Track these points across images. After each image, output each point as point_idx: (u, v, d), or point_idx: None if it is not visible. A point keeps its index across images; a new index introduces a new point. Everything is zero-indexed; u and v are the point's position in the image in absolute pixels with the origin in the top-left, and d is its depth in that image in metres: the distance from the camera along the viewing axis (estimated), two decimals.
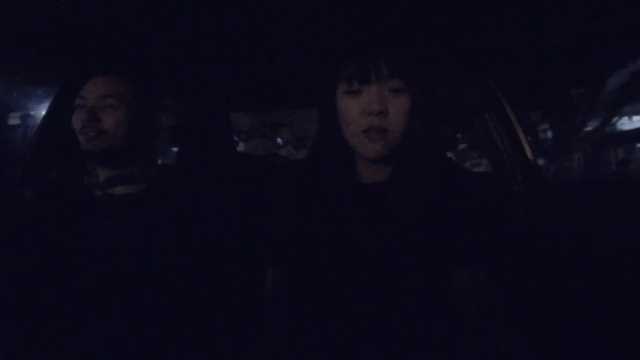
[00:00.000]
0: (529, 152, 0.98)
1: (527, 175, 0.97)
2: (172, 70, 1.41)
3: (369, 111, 0.65)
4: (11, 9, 0.95)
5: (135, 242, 0.89)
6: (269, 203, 0.87)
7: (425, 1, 0.92)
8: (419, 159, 0.70)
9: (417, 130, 0.69)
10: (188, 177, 1.02)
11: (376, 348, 0.68)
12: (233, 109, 2.31)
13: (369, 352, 0.69)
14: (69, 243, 0.89)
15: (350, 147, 0.72)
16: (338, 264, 0.71)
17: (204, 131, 1.44)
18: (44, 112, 1.27)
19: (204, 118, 1.84)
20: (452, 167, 0.79)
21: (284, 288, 0.79)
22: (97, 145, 0.87)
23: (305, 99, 1.96)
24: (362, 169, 0.75)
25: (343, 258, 0.71)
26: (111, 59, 1.19)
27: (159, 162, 1.27)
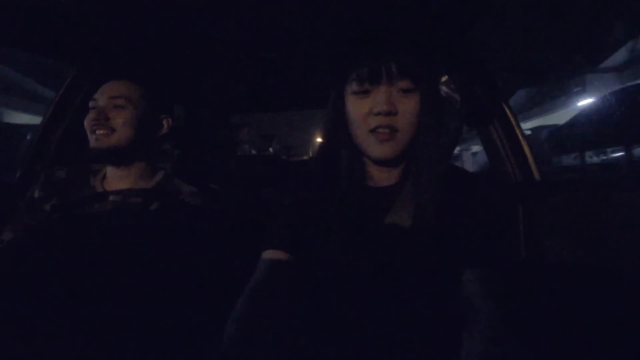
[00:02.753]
0: (528, 155, 1.00)
1: (526, 177, 0.99)
2: (173, 72, 1.42)
3: (377, 111, 0.65)
4: (21, 13, 0.96)
5: (138, 241, 0.90)
6: (273, 204, 0.87)
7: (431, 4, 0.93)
8: (428, 162, 0.69)
9: (426, 131, 0.68)
10: (189, 179, 1.03)
11: (382, 348, 0.67)
12: (233, 111, 2.32)
13: (375, 354, 0.68)
14: (73, 242, 0.89)
15: (358, 149, 0.72)
16: (346, 266, 0.69)
17: (205, 133, 1.44)
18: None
19: (205, 120, 1.85)
20: (458, 171, 0.78)
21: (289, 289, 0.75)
22: (105, 142, 0.91)
23: (307, 101, 1.98)
24: (372, 172, 0.74)
25: (351, 261, 0.69)
26: (122, 66, 1.23)
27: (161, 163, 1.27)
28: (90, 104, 0.95)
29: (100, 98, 0.94)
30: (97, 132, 0.91)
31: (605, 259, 0.75)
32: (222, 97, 1.82)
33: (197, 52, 1.23)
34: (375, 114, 0.65)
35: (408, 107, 0.66)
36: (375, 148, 0.67)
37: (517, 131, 1.00)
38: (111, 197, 0.94)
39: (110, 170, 0.99)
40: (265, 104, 2.13)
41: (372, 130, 0.66)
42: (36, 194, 0.97)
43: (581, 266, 0.82)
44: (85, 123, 0.94)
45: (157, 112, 1.00)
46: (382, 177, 0.74)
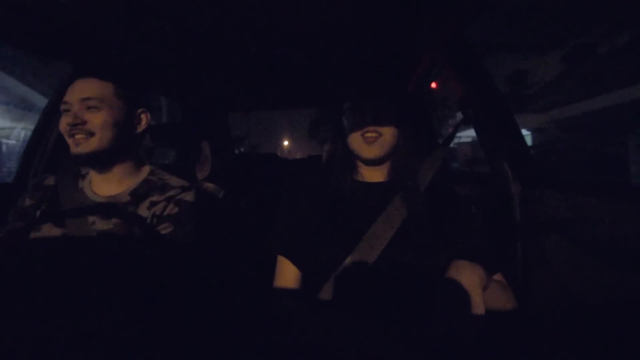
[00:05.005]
0: (526, 153, 1.02)
1: (524, 175, 1.00)
2: (171, 70, 1.41)
3: (366, 120, 0.85)
4: (6, 11, 0.92)
5: (129, 242, 0.89)
6: (274, 197, 0.97)
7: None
8: (409, 164, 0.89)
9: (406, 139, 0.89)
10: (179, 173, 1.03)
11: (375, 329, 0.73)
12: (231, 109, 2.31)
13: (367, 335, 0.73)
14: (62, 245, 0.85)
15: (352, 153, 0.90)
16: (340, 247, 0.81)
17: (202, 131, 1.43)
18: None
19: (203, 117, 1.82)
20: (449, 171, 0.92)
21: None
22: (85, 147, 0.88)
23: (302, 100, 2.00)
24: (363, 171, 0.93)
25: (344, 242, 0.82)
26: (93, 63, 1.17)
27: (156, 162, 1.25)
28: (62, 106, 0.90)
29: (72, 100, 0.89)
30: (76, 136, 0.88)
31: (603, 259, 0.76)
32: (218, 95, 1.82)
33: (195, 51, 1.23)
34: (365, 121, 0.85)
35: (390, 117, 0.86)
36: (365, 149, 0.86)
37: (515, 130, 1.03)
38: (97, 197, 0.93)
39: (94, 173, 0.96)
40: (260, 103, 2.14)
41: (363, 134, 0.86)
42: (27, 202, 0.94)
43: (576, 262, 0.83)
44: (61, 127, 0.90)
45: (134, 108, 0.97)
46: (371, 175, 0.93)
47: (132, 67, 1.30)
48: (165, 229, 0.92)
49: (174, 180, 0.99)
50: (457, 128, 1.07)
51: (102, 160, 0.92)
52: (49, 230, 0.89)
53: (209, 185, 1.27)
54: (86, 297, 0.82)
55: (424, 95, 1.51)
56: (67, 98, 0.89)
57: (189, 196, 0.97)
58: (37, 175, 1.15)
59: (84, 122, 0.87)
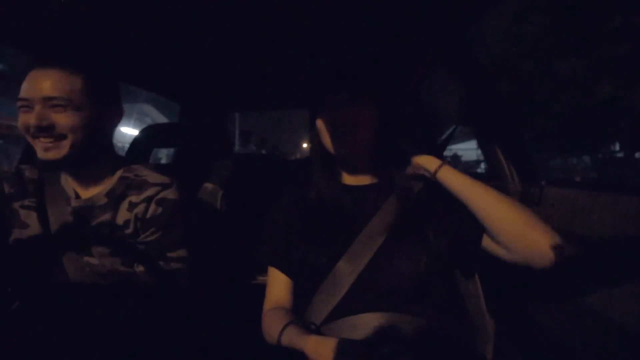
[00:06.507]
0: (525, 152, 0.98)
1: (522, 175, 0.97)
2: (169, 69, 1.41)
3: (341, 116, 0.81)
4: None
5: (112, 249, 0.86)
6: (265, 201, 0.95)
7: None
8: (392, 167, 0.86)
9: (384, 137, 0.85)
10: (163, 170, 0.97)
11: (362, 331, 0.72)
12: (231, 109, 2.30)
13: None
14: (47, 248, 0.86)
15: (332, 153, 0.86)
16: (329, 252, 0.80)
17: (201, 130, 1.43)
18: None
19: (202, 117, 1.83)
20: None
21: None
22: (56, 153, 0.79)
23: (300, 101, 2.00)
24: (346, 174, 0.91)
25: (333, 247, 0.80)
26: (56, 51, 1.06)
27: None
28: (20, 103, 0.78)
29: (33, 97, 0.77)
30: (42, 140, 0.78)
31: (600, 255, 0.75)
32: (218, 95, 1.84)
33: (193, 49, 1.23)
34: (340, 118, 0.82)
35: (366, 109, 0.82)
36: (341, 144, 0.83)
37: (514, 129, 1.00)
38: (76, 198, 0.88)
39: (68, 175, 0.90)
40: (260, 103, 2.15)
41: (336, 128, 0.82)
42: (6, 189, 0.89)
43: (575, 263, 0.79)
44: (21, 126, 0.79)
45: (105, 105, 0.86)
46: (356, 178, 0.90)
47: (102, 55, 1.24)
48: (151, 235, 0.86)
49: (152, 177, 0.89)
50: (455, 130, 1.04)
51: (73, 164, 0.84)
52: (34, 229, 0.87)
53: (209, 185, 1.26)
54: (69, 302, 0.82)
55: (422, 96, 1.48)
56: (26, 94, 0.77)
57: (171, 194, 0.88)
58: None
59: (52, 125, 0.77)
